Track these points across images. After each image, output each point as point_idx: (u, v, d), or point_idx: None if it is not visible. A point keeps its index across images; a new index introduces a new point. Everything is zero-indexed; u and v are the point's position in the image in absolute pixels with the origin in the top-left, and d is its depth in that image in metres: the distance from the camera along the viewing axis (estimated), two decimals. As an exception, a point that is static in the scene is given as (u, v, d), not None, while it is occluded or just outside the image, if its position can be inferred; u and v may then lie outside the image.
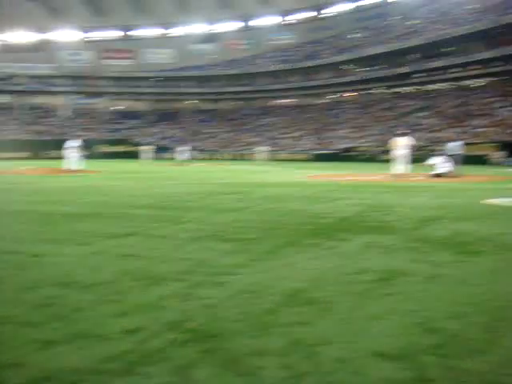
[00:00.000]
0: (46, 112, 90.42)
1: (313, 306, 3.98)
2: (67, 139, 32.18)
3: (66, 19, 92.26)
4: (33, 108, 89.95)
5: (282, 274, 5.04)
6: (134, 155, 75.74)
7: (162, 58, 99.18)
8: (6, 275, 5.01)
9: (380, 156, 58.25)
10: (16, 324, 3.62)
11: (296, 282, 4.68)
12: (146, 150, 48.20)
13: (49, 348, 3.17)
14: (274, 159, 55.47)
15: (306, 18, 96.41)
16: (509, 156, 48.60)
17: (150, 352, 3.10)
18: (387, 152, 54.03)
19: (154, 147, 57.87)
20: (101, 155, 74.61)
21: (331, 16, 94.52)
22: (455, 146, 25.23)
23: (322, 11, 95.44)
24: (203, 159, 61.14)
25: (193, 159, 49.61)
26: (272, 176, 25.96)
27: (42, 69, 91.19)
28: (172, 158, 52.43)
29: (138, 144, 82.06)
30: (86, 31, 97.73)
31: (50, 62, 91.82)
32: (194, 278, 4.79)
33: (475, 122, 58.15)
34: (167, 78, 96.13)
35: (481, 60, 64.93)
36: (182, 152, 47.40)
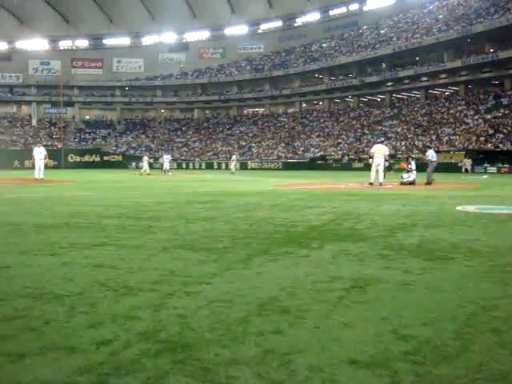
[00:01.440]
0: (14, 122, 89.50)
1: (286, 315, 3.98)
2: (35, 147, 31.61)
3: (35, 28, 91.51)
4: (5, 118, 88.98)
5: (254, 283, 5.04)
6: (105, 165, 75.38)
7: (132, 67, 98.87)
8: (-25, 287, 4.92)
9: (352, 164, 58.78)
10: (-15, 337, 3.56)
11: (268, 291, 4.68)
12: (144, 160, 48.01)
13: (20, 361, 3.13)
14: (245, 168, 55.41)
15: (276, 28, 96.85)
16: (475, 163, 49.37)
17: (122, 363, 3.07)
18: (359, 160, 54.49)
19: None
20: (71, 165, 74.11)
21: (301, 25, 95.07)
22: (433, 153, 25.43)
23: (292, 21, 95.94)
24: (175, 168, 60.77)
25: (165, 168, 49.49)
26: (243, 185, 25.99)
27: (11, 78, 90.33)
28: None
29: (106, 153, 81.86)
30: (55, 40, 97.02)
31: (19, 71, 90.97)
32: (166, 288, 4.76)
33: (443, 130, 58.91)
34: (137, 87, 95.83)
35: (449, 69, 65.87)
36: (167, 160, 47.46)
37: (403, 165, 24.43)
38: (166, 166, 46.72)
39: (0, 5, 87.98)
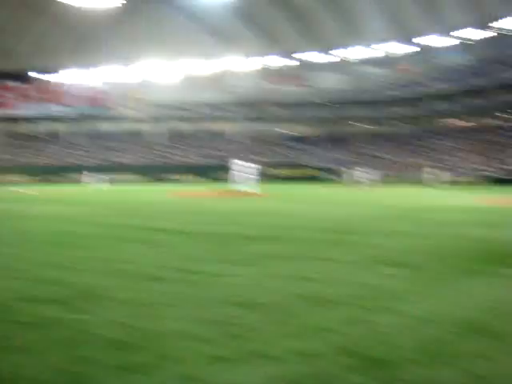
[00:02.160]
0: (216, 138, 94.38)
1: (494, 340, 3.73)
2: (235, 160, 32.34)
3: (235, 47, 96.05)
4: (209, 134, 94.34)
5: (455, 301, 4.83)
6: (306, 179, 76.77)
7: (332, 82, 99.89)
8: (189, 293, 5.23)
9: None
10: (192, 339, 3.75)
11: (472, 312, 4.44)
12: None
13: (218, 363, 3.25)
14: (447, 183, 53.53)
15: (480, 38, 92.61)
16: None
17: (321, 375, 3.07)
18: None
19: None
20: (272, 179, 76.42)
21: (507, 33, 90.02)
22: None
23: (497, 27, 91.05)
24: (375, 183, 60.30)
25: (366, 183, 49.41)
26: (443, 200, 24.91)
27: (217, 97, 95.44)
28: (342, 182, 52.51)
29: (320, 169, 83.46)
30: (254, 58, 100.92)
31: (223, 90, 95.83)
32: (363, 303, 4.72)
33: None
34: (338, 103, 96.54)
35: None
36: (366, 174, 48.00)
37: None
38: (365, 179, 46.84)
39: (202, 30, 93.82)
